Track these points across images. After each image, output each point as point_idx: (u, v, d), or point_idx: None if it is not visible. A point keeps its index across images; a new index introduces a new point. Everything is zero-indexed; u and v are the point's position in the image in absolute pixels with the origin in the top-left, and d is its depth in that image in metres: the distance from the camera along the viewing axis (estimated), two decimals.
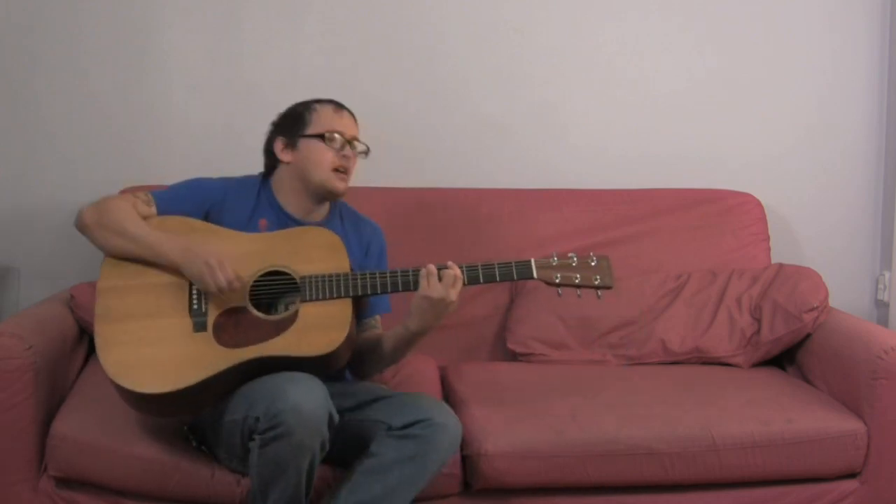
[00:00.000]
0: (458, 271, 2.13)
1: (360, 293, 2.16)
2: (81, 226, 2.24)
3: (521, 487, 2.31)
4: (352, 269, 2.21)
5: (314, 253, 2.20)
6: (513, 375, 2.72)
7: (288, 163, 2.31)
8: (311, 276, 2.15)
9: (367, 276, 2.17)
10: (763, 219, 3.08)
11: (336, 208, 2.40)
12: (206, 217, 2.27)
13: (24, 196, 3.04)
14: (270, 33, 3.07)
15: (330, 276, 2.15)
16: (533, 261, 2.20)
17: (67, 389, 2.47)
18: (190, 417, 2.24)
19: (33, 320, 2.47)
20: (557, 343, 2.84)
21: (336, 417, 2.01)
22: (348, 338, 2.12)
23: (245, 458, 2.06)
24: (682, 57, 3.19)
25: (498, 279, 2.19)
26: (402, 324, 2.21)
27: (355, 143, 2.31)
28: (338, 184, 2.29)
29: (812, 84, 3.22)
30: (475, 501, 2.32)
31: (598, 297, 2.23)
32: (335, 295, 2.14)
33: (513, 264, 2.19)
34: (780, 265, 2.96)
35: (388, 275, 2.17)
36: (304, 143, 2.29)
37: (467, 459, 2.26)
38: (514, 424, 2.35)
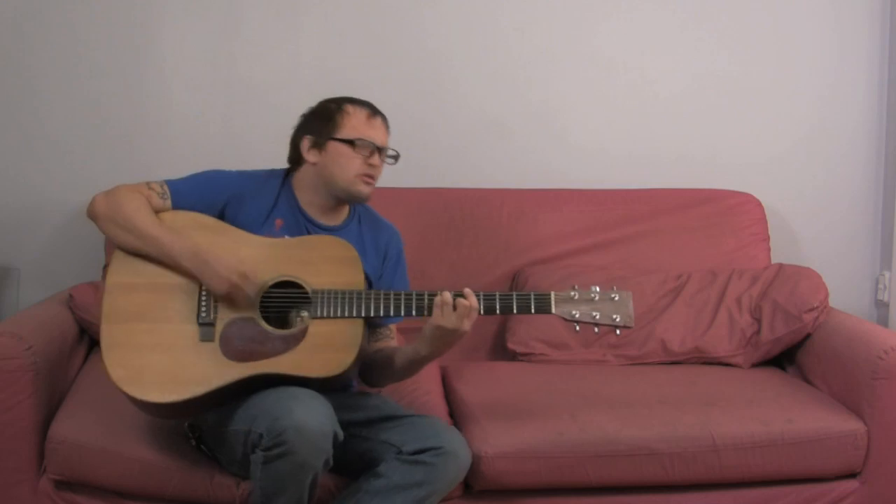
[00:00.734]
0: (473, 301, 2.07)
1: (371, 314, 2.11)
2: (92, 214, 2.18)
3: (521, 488, 2.31)
4: (367, 279, 2.18)
5: (329, 265, 2.15)
6: (513, 375, 2.72)
7: (313, 163, 2.25)
8: (323, 291, 2.11)
9: (381, 295, 2.12)
10: (763, 219, 3.08)
11: (355, 211, 2.35)
12: (223, 210, 2.22)
13: (24, 196, 3.04)
14: (270, 33, 3.07)
15: (342, 292, 2.11)
16: (552, 294, 2.13)
17: (67, 390, 2.47)
18: (192, 419, 2.23)
19: (33, 320, 2.47)
20: (557, 343, 2.84)
21: (340, 435, 1.99)
22: (357, 358, 2.10)
23: (245, 464, 2.05)
24: (682, 57, 3.19)
25: (515, 311, 2.13)
26: (413, 346, 2.18)
27: (382, 152, 2.25)
28: (364, 188, 2.23)
29: (812, 84, 3.23)
30: (476, 502, 2.31)
31: (617, 334, 2.18)
32: (346, 314, 2.10)
33: (531, 297, 2.12)
34: (780, 265, 2.96)
35: (402, 297, 2.12)
36: (332, 146, 2.22)
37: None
38: (514, 425, 2.34)
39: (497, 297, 2.12)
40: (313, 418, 1.93)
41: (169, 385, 2.06)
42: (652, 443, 2.31)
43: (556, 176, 3.12)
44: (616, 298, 2.14)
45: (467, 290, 2.08)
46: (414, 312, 2.12)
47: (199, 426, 2.22)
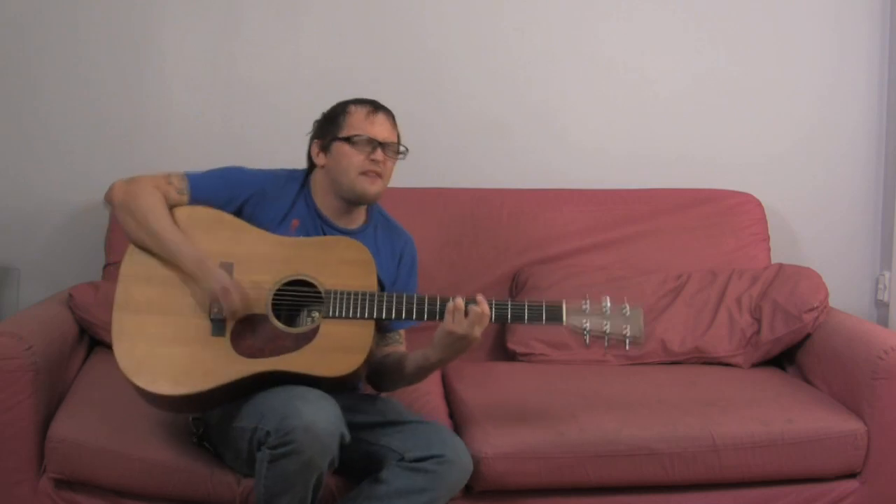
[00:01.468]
0: (485, 308, 2.06)
1: (383, 316, 2.11)
2: (109, 199, 2.19)
3: (521, 489, 2.31)
4: (380, 283, 2.17)
5: (343, 267, 2.15)
6: (513, 376, 2.72)
7: (322, 166, 2.25)
8: (336, 291, 2.11)
9: (394, 298, 2.11)
10: (763, 219, 3.08)
11: (372, 218, 2.34)
12: (242, 208, 2.21)
13: (24, 196, 3.04)
14: (270, 33, 3.07)
15: (355, 293, 2.11)
16: (564, 305, 2.12)
17: (67, 390, 2.47)
18: (197, 413, 2.23)
19: (33, 320, 2.47)
20: (557, 343, 2.83)
21: (347, 437, 1.99)
22: (366, 360, 2.10)
23: (250, 462, 2.05)
24: (682, 57, 3.19)
25: (526, 321, 2.12)
26: (423, 351, 2.17)
27: (388, 145, 2.23)
28: (367, 186, 2.21)
29: (812, 84, 3.23)
30: (476, 503, 2.31)
31: (627, 348, 2.15)
32: (358, 315, 2.10)
33: (543, 306, 2.11)
34: (780, 265, 2.96)
35: (414, 301, 2.11)
36: (335, 147, 2.22)
37: None
38: (514, 425, 2.34)
39: (509, 305, 2.11)
40: (322, 418, 1.93)
41: (179, 378, 2.06)
42: (652, 443, 2.31)
43: (556, 176, 3.12)
44: (627, 313, 2.12)
45: (479, 297, 2.08)
46: (426, 317, 2.11)
47: (204, 421, 2.22)
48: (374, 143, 2.21)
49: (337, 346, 2.08)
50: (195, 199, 2.20)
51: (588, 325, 2.11)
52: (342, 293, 2.11)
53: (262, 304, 2.12)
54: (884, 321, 3.18)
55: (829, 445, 2.37)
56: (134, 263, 2.16)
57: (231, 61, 3.08)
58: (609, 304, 2.13)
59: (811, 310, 2.71)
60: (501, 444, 2.27)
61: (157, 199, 2.16)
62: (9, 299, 3.04)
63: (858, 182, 3.26)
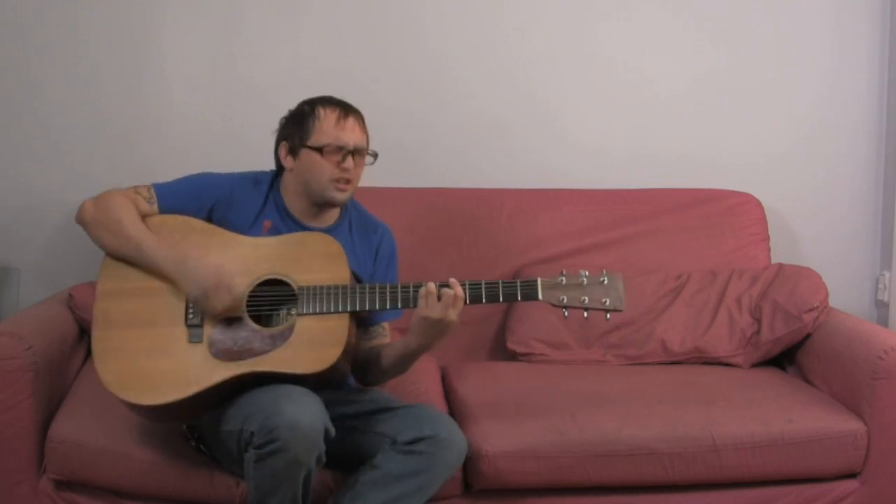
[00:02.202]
0: (459, 290, 2.07)
1: (356, 308, 2.11)
2: (80, 220, 2.20)
3: (521, 488, 2.31)
4: (354, 277, 2.18)
5: (314, 261, 2.15)
6: (513, 375, 2.72)
7: (290, 169, 2.25)
8: (309, 287, 2.12)
9: (367, 289, 2.12)
10: (763, 219, 3.08)
11: (346, 214, 2.34)
12: (211, 213, 2.23)
13: (24, 196, 3.04)
14: (270, 33, 3.07)
15: (328, 287, 2.11)
16: (539, 281, 2.12)
17: (67, 390, 2.47)
18: (187, 422, 2.24)
19: (33, 320, 2.47)
20: (557, 343, 2.84)
21: (332, 431, 1.99)
22: (344, 353, 2.10)
23: (241, 463, 2.05)
24: (682, 57, 3.19)
25: (501, 300, 2.12)
26: (404, 339, 2.18)
27: (358, 153, 2.22)
28: (336, 195, 2.22)
29: (812, 84, 3.22)
30: (476, 502, 2.32)
31: (607, 319, 2.16)
32: (332, 309, 2.10)
33: (518, 284, 2.11)
34: (780, 265, 2.96)
35: (387, 290, 2.12)
36: (304, 154, 2.22)
37: (468, 460, 2.25)
38: (514, 425, 2.34)
39: (483, 285, 2.11)
40: (304, 415, 1.94)
41: (161, 387, 2.06)
42: (652, 443, 2.31)
43: (556, 176, 3.12)
44: (605, 282, 2.13)
45: (452, 280, 2.09)
46: (399, 305, 2.12)
47: (198, 427, 2.22)
48: (345, 152, 2.20)
49: (313, 342, 2.09)
50: (164, 209, 2.21)
51: (565, 298, 2.11)
52: (315, 289, 2.11)
53: (238, 307, 2.13)
54: (884, 321, 3.17)
55: (829, 445, 2.37)
56: (108, 279, 2.17)
57: (231, 61, 3.08)
58: (587, 276, 2.12)
59: (811, 310, 2.71)
60: (501, 444, 2.27)
61: (130, 208, 2.18)
62: (9, 299, 3.04)
63: (858, 182, 3.26)
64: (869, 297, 3.28)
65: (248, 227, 2.23)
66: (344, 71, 3.05)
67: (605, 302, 2.12)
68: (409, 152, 3.07)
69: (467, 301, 2.09)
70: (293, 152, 2.25)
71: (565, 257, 2.96)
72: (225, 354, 2.09)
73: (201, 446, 2.24)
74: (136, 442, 2.23)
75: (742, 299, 2.86)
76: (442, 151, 3.13)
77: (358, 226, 2.36)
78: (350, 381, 2.33)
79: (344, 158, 2.20)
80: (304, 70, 3.07)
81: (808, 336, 2.73)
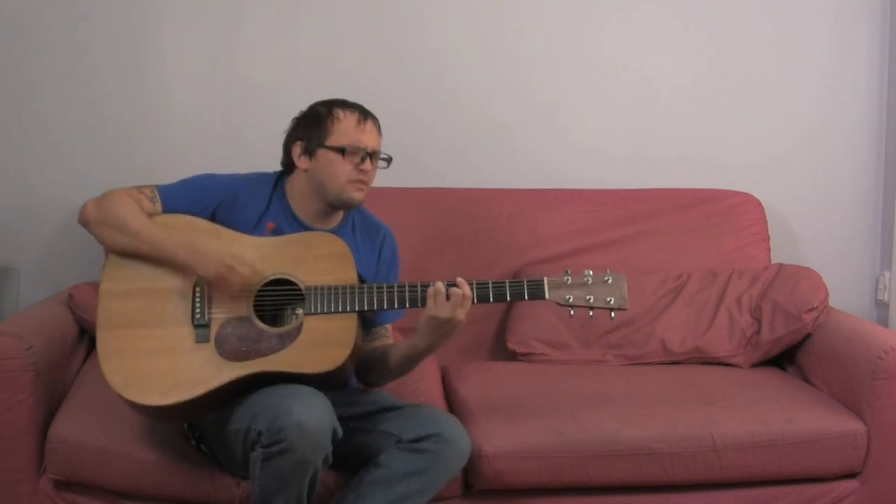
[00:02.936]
0: (467, 290, 2.08)
1: (365, 308, 2.11)
2: (83, 221, 2.18)
3: (521, 488, 2.31)
4: (360, 279, 2.18)
5: (321, 262, 2.15)
6: (513, 375, 2.72)
7: (305, 169, 2.24)
8: (316, 287, 2.11)
9: (374, 289, 2.12)
10: (763, 219, 3.08)
11: (349, 215, 2.34)
12: (214, 214, 2.22)
13: (24, 196, 3.04)
14: (270, 33, 3.07)
15: (335, 287, 2.11)
16: (545, 280, 2.14)
17: (67, 390, 2.47)
18: (191, 422, 2.23)
19: (33, 320, 2.47)
20: (557, 343, 2.84)
21: (340, 432, 1.99)
22: (352, 354, 2.10)
23: (246, 464, 2.05)
24: (682, 57, 3.19)
25: (508, 299, 2.14)
26: (410, 340, 2.17)
27: (374, 156, 2.23)
28: (355, 194, 2.22)
29: (812, 84, 3.22)
30: (476, 502, 2.32)
31: (612, 318, 2.18)
32: (339, 309, 2.10)
33: (524, 283, 2.13)
34: (780, 265, 2.96)
35: (395, 289, 2.12)
36: (322, 154, 2.21)
37: (468, 460, 2.25)
38: (514, 425, 2.34)
39: (490, 285, 2.13)
40: (313, 416, 1.93)
41: (168, 388, 2.06)
42: (652, 443, 2.31)
43: (556, 176, 3.12)
44: (609, 281, 2.15)
45: (460, 280, 2.09)
46: (407, 304, 2.12)
47: (199, 426, 2.22)
48: (365, 154, 2.21)
49: (321, 342, 2.09)
50: (167, 210, 2.20)
51: (571, 297, 2.13)
52: (322, 288, 2.11)
53: (244, 306, 2.12)
54: (884, 321, 3.17)
55: (829, 445, 2.37)
56: (112, 280, 2.15)
57: (231, 61, 3.08)
58: (591, 275, 2.15)
59: (811, 310, 2.71)
60: (501, 443, 2.27)
61: (133, 206, 2.16)
62: (9, 299, 3.04)
63: (858, 182, 3.26)
64: (869, 297, 3.28)
65: (251, 229, 2.22)
66: (344, 71, 3.06)
67: (610, 301, 2.14)
68: (409, 152, 3.03)
69: (475, 300, 2.10)
70: (309, 152, 2.24)
71: (565, 257, 2.96)
72: (232, 354, 2.09)
73: (202, 446, 2.23)
74: (136, 442, 2.23)
75: (742, 299, 2.86)
76: (442, 151, 3.13)
77: (361, 227, 2.36)
78: (352, 382, 2.33)
79: (363, 160, 2.21)
80: (304, 70, 3.07)
81: (808, 336, 2.73)
